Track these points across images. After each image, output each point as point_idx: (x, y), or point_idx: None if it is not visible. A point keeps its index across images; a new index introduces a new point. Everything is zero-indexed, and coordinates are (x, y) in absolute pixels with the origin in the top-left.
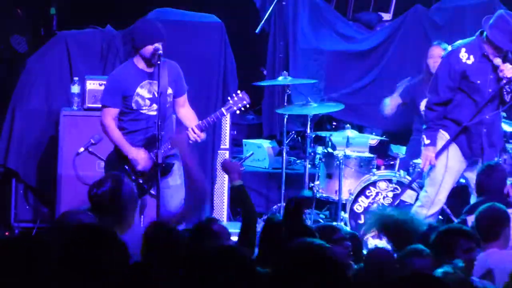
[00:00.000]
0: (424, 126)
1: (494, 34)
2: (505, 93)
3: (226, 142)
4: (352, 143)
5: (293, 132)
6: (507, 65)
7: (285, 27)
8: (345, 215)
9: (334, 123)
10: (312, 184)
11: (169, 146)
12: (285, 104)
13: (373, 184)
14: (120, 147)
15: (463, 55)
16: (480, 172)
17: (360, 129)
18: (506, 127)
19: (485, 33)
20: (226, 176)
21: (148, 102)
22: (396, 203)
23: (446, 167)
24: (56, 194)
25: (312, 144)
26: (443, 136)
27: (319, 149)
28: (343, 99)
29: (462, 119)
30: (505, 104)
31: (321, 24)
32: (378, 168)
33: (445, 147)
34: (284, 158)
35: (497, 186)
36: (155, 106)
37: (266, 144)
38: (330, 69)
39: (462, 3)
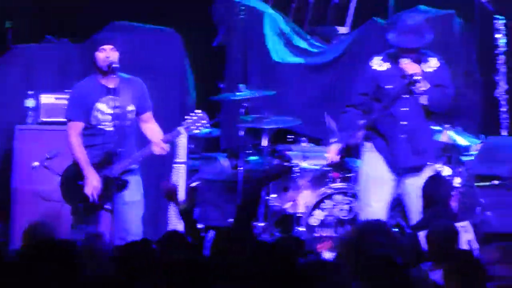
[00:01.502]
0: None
1: (395, 37)
2: (417, 94)
3: (182, 156)
4: (308, 156)
5: (249, 145)
6: (412, 63)
7: (242, 40)
8: (300, 228)
9: (291, 136)
10: (268, 197)
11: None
12: (242, 117)
13: (329, 197)
14: (81, 165)
15: (375, 62)
16: (426, 184)
17: (317, 142)
18: (461, 140)
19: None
20: (182, 190)
21: (108, 117)
22: (352, 216)
23: (368, 175)
24: (10, 208)
25: (268, 157)
26: (366, 146)
27: (276, 162)
28: (300, 112)
29: (381, 128)
30: (427, 108)
31: (278, 37)
32: (334, 181)
33: (364, 156)
34: (240, 171)
35: (443, 198)
36: (114, 122)
37: (222, 157)
38: (287, 82)
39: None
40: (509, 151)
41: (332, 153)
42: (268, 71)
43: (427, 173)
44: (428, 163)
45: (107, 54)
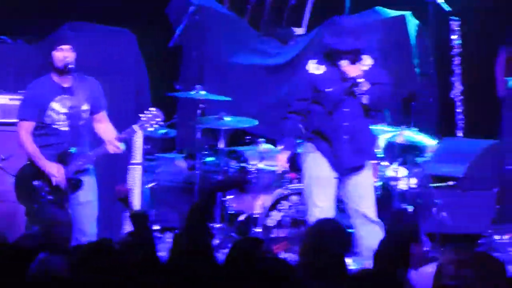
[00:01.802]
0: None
1: (329, 40)
2: (359, 95)
3: (138, 157)
4: (265, 157)
5: (206, 146)
6: (352, 65)
7: (198, 41)
8: (257, 229)
9: (248, 137)
10: (224, 199)
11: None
12: (199, 118)
13: (286, 197)
14: (36, 161)
15: (312, 66)
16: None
17: (274, 143)
18: (417, 141)
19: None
20: (138, 190)
21: (62, 117)
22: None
23: (311, 177)
24: None
25: (225, 158)
26: (307, 147)
27: (232, 163)
28: (257, 113)
29: (323, 132)
30: (368, 108)
31: (234, 38)
32: (290, 181)
33: (306, 158)
34: (197, 172)
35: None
36: (68, 121)
37: (179, 158)
38: (244, 83)
39: (375, 17)
40: (465, 152)
41: (281, 161)
42: (224, 72)
43: (366, 170)
44: (368, 161)
45: (65, 54)
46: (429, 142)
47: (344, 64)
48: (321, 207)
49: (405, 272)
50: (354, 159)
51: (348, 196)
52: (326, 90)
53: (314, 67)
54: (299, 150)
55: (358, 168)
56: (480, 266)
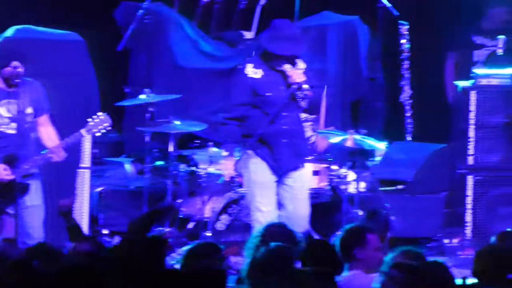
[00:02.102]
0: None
1: (271, 45)
2: (299, 99)
3: (86, 161)
4: (215, 161)
5: (155, 150)
6: (296, 70)
7: (147, 45)
8: (207, 233)
9: (197, 141)
10: (175, 202)
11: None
12: (148, 122)
13: (236, 201)
14: None
15: (250, 70)
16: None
17: None
18: (366, 145)
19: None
20: (86, 195)
21: (6, 120)
22: None
23: (253, 183)
24: None
25: (174, 162)
26: (247, 153)
27: (182, 167)
28: (206, 117)
29: (261, 134)
30: (306, 111)
31: (184, 42)
32: (240, 185)
33: (246, 163)
34: (146, 176)
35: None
36: (13, 125)
37: (127, 162)
38: (193, 87)
39: (323, 22)
40: (414, 156)
41: (228, 168)
42: (173, 75)
43: (303, 174)
44: (305, 163)
45: (16, 69)
46: (378, 146)
47: (288, 68)
48: (265, 211)
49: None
50: (293, 162)
51: (284, 199)
52: (267, 94)
53: (252, 71)
54: (238, 156)
55: (296, 171)
56: (428, 274)
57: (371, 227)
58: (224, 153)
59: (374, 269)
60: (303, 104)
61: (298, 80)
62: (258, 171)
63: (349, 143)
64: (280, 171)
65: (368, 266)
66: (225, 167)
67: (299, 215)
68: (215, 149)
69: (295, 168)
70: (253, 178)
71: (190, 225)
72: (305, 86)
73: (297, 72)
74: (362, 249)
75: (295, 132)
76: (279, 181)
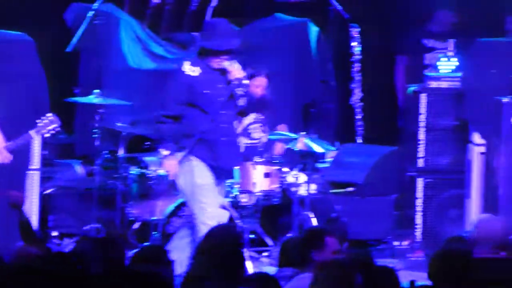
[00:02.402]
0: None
1: (207, 42)
2: (237, 97)
3: (36, 162)
4: None
5: (105, 151)
6: (236, 66)
7: (98, 46)
8: (157, 236)
9: (148, 143)
10: (124, 205)
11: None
12: (98, 123)
13: (186, 204)
14: None
15: (188, 68)
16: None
17: None
18: (316, 147)
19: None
20: (36, 197)
21: None
22: None
23: (195, 185)
24: None
25: (124, 164)
26: (185, 153)
27: (132, 169)
28: (156, 119)
29: (199, 132)
30: (241, 110)
31: (134, 43)
32: None
33: (186, 165)
34: (96, 178)
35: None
36: None
37: (77, 164)
38: (144, 88)
39: (274, 24)
40: (364, 158)
41: (171, 167)
42: (123, 76)
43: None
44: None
45: None
46: (328, 148)
47: (228, 65)
48: (209, 212)
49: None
50: (232, 161)
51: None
52: (205, 92)
53: (190, 69)
54: (177, 156)
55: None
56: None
57: (330, 230)
58: (165, 152)
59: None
60: (242, 101)
61: (239, 76)
62: (199, 172)
63: (300, 146)
64: (220, 171)
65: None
66: (169, 167)
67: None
68: (165, 151)
69: (233, 168)
70: (194, 180)
71: (136, 226)
72: (246, 81)
73: (237, 68)
74: (320, 252)
75: (232, 130)
76: (219, 180)
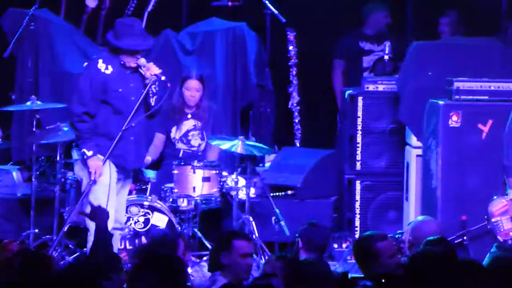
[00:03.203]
0: (77, 140)
1: (123, 42)
2: (150, 95)
3: None
4: None
5: (43, 157)
6: (151, 63)
7: (34, 51)
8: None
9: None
10: (62, 210)
11: None
12: (35, 129)
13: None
14: None
15: (101, 65)
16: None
17: None
18: (255, 151)
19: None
20: None
21: None
22: (147, 228)
23: (99, 184)
24: None
25: (62, 170)
26: (87, 153)
27: (70, 175)
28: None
29: (112, 132)
30: (150, 108)
31: (70, 48)
32: (129, 193)
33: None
34: (33, 184)
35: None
36: None
37: (14, 170)
38: None
39: (211, 28)
40: (302, 162)
41: (97, 167)
42: (60, 82)
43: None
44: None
45: None
46: (267, 152)
47: (143, 62)
48: (110, 219)
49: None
50: (138, 161)
51: (119, 196)
52: (119, 90)
53: (103, 67)
54: (76, 156)
55: (134, 171)
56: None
57: (240, 234)
58: (88, 153)
59: (241, 277)
60: (153, 101)
61: (156, 72)
62: (104, 171)
63: (239, 149)
64: (125, 170)
65: (235, 273)
66: (94, 167)
67: (118, 217)
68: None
69: (139, 167)
70: (100, 179)
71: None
72: (163, 78)
73: (152, 65)
74: (228, 255)
75: (141, 131)
76: (122, 180)
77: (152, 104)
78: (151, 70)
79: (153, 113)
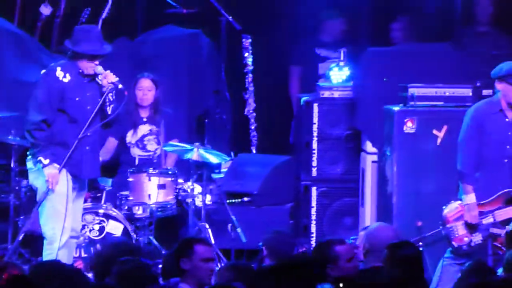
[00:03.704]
0: (33, 148)
1: (82, 47)
2: (107, 104)
3: None
4: None
5: None
6: (108, 71)
7: None
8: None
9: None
10: (17, 218)
11: None
12: None
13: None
14: None
15: (59, 73)
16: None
17: None
18: (211, 157)
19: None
20: None
21: None
22: (102, 236)
23: (55, 194)
24: None
25: (17, 178)
26: (46, 160)
27: (24, 183)
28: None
29: (68, 141)
30: (106, 117)
31: (23, 56)
32: (84, 200)
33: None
34: None
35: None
36: None
37: None
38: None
39: (166, 35)
40: (259, 168)
41: (53, 177)
42: (13, 89)
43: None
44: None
45: None
46: (223, 158)
47: (101, 70)
48: (67, 227)
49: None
50: (94, 170)
51: (74, 205)
52: (76, 99)
53: (61, 75)
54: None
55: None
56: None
57: (201, 239)
58: (45, 161)
59: (204, 282)
60: (109, 110)
61: (113, 80)
62: (60, 181)
63: (194, 156)
64: (81, 180)
65: (197, 278)
66: (50, 176)
67: (75, 228)
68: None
69: (94, 176)
70: (56, 189)
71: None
72: (120, 86)
73: (109, 73)
74: (189, 261)
75: (97, 139)
76: (77, 189)
77: (109, 112)
78: (108, 78)
79: (109, 122)
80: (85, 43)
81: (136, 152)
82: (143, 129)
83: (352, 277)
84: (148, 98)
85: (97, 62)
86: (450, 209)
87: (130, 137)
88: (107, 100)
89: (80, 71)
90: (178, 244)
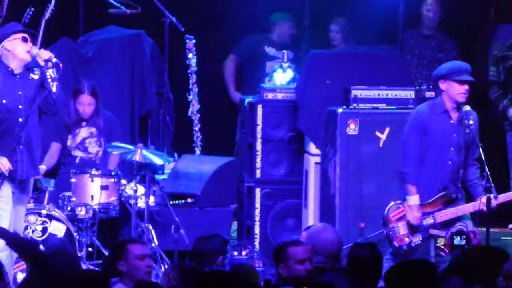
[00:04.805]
0: None
1: (8, 29)
2: (50, 81)
3: None
4: None
5: None
6: (42, 50)
7: None
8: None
9: None
10: None
11: None
12: None
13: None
14: None
15: None
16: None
17: None
18: (155, 158)
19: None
20: None
21: None
22: (45, 237)
23: (5, 198)
24: None
25: None
26: None
27: None
28: None
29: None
30: (52, 95)
31: None
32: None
33: None
34: None
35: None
36: None
37: None
38: None
39: (109, 35)
40: (202, 169)
41: (4, 165)
42: None
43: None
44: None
45: None
46: (167, 159)
47: (35, 50)
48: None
49: None
50: (31, 171)
51: (15, 210)
52: (3, 102)
53: None
54: None
55: (27, 181)
56: None
57: (133, 238)
58: None
59: (143, 279)
60: (54, 88)
61: (47, 57)
62: (6, 186)
63: (137, 157)
64: (17, 181)
65: (136, 277)
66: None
67: (20, 224)
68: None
69: (33, 176)
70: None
71: None
72: (54, 60)
73: (42, 51)
74: (125, 262)
75: (32, 138)
76: (18, 193)
77: (54, 90)
78: (42, 55)
79: (55, 100)
80: (8, 27)
81: (77, 154)
82: (83, 132)
83: (301, 279)
84: (89, 112)
85: (30, 44)
86: (393, 209)
87: (70, 141)
88: (49, 77)
89: (10, 69)
90: (111, 249)
